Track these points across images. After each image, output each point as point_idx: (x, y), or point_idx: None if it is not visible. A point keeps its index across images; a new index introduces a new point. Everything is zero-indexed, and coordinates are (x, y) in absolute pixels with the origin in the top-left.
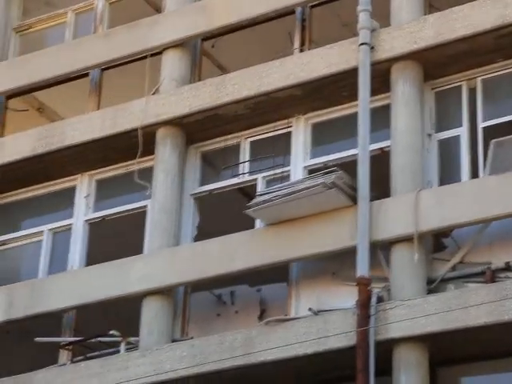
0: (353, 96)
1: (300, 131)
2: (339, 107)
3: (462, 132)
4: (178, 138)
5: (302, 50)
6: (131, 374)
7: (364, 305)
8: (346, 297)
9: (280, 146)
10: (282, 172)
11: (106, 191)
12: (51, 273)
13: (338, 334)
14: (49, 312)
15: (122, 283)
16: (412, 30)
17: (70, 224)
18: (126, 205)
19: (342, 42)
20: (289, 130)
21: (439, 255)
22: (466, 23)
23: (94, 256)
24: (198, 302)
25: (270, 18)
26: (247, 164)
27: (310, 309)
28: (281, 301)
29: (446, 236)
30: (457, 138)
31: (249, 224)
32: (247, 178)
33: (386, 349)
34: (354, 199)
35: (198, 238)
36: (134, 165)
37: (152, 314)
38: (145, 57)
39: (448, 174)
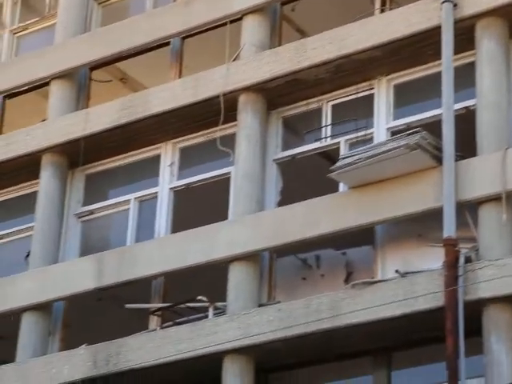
0: (436, 55)
1: (382, 93)
2: (422, 67)
3: None
4: (259, 104)
5: (382, 11)
6: (219, 339)
7: (451, 265)
8: (432, 258)
9: (362, 109)
10: (365, 134)
11: (189, 159)
12: (139, 240)
13: (425, 294)
14: (138, 279)
15: (208, 249)
16: None
17: (156, 192)
18: (209, 172)
19: (423, 1)
20: (371, 91)
21: None
22: None
23: (180, 223)
24: (283, 266)
25: None
26: (329, 128)
27: (396, 271)
28: (367, 264)
29: None
30: None
31: (332, 188)
32: (329, 141)
33: (475, 309)
34: (438, 160)
35: (281, 204)
36: (217, 132)
37: (238, 280)
38: (224, 23)
39: None
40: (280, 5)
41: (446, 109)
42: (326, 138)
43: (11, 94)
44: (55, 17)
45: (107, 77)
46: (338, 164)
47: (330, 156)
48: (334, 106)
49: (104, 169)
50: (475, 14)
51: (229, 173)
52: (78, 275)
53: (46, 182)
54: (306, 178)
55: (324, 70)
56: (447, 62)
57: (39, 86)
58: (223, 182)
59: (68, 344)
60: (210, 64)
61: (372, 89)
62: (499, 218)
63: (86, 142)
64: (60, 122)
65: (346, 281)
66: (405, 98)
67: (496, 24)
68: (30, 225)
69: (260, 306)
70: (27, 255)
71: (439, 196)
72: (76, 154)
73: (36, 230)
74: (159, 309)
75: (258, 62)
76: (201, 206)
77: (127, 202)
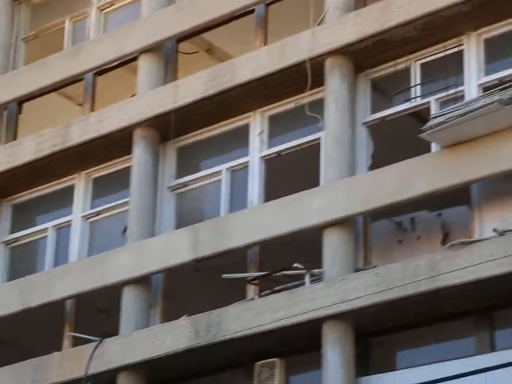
0: None
1: (472, 48)
2: None
3: None
4: (346, 67)
5: None
6: (317, 306)
7: None
8: None
9: (452, 66)
10: (456, 92)
11: (278, 127)
12: (232, 211)
13: None
14: (233, 249)
15: (302, 216)
16: None
17: (247, 162)
18: (299, 139)
19: None
20: (460, 48)
21: None
22: None
23: (272, 191)
24: (378, 230)
25: None
26: (419, 87)
27: (494, 230)
28: (463, 224)
29: None
30: None
31: (424, 149)
32: (419, 101)
33: None
34: None
35: (373, 167)
36: (305, 98)
37: (333, 246)
38: None
39: None
40: None
41: None
42: (415, 97)
43: (101, 71)
44: None
45: (194, 48)
46: (430, 124)
47: (420, 116)
48: (422, 65)
49: (195, 141)
50: None
51: (318, 138)
52: (175, 247)
53: (138, 157)
54: (396, 140)
55: (411, 28)
56: None
57: (128, 61)
58: (313, 148)
59: (169, 315)
60: (294, 29)
61: (461, 45)
62: None
63: (176, 115)
64: (150, 96)
65: (443, 242)
66: (496, 52)
67: None
68: (125, 200)
69: (356, 271)
70: (124, 230)
71: None
72: (167, 127)
73: (131, 204)
74: (256, 278)
75: (343, 24)
76: (292, 173)
77: (219, 172)
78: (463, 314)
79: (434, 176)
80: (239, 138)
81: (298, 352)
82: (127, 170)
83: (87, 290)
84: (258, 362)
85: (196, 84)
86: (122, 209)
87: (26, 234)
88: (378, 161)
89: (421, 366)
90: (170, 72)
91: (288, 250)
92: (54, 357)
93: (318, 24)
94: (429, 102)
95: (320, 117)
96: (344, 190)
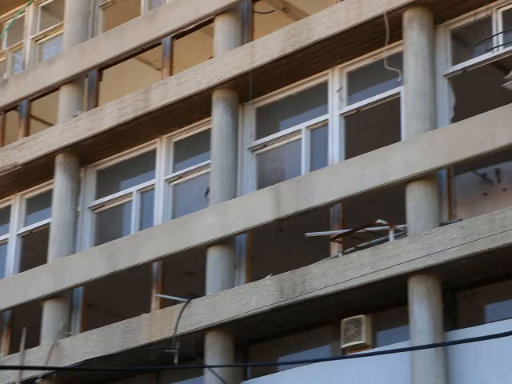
0: None
1: None
2: None
3: None
4: (425, 19)
5: None
6: (403, 260)
7: None
8: None
9: None
10: None
11: (357, 83)
12: (313, 169)
13: None
14: (315, 207)
15: (384, 172)
16: None
17: (326, 119)
18: (378, 94)
19: None
20: None
21: None
22: None
23: (353, 148)
24: (462, 183)
25: None
26: (500, 36)
27: None
28: None
29: None
30: None
31: (508, 98)
32: (502, 50)
33: None
34: None
35: (455, 119)
36: (383, 52)
37: (417, 200)
38: None
39: None
40: None
41: None
42: (497, 47)
43: (178, 35)
44: None
45: (269, 8)
46: None
47: (503, 66)
48: (504, 13)
49: (273, 100)
50: None
51: (398, 93)
52: (257, 208)
53: (218, 119)
54: (479, 91)
55: None
56: None
57: (204, 23)
58: (393, 103)
59: (254, 275)
60: None
61: None
62: None
63: (254, 75)
64: (227, 58)
65: None
66: None
67: None
68: (206, 162)
69: (441, 225)
70: (207, 192)
71: None
72: (245, 88)
73: (213, 166)
74: (339, 235)
75: None
76: (372, 129)
77: (298, 131)
78: None
79: None
80: (318, 96)
81: (384, 308)
82: (207, 133)
83: (173, 252)
84: (344, 319)
85: (273, 43)
86: (204, 171)
87: (111, 199)
88: (461, 113)
89: (510, 318)
90: (246, 32)
91: (371, 206)
92: (143, 318)
93: None
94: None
95: (399, 71)
96: (427, 143)
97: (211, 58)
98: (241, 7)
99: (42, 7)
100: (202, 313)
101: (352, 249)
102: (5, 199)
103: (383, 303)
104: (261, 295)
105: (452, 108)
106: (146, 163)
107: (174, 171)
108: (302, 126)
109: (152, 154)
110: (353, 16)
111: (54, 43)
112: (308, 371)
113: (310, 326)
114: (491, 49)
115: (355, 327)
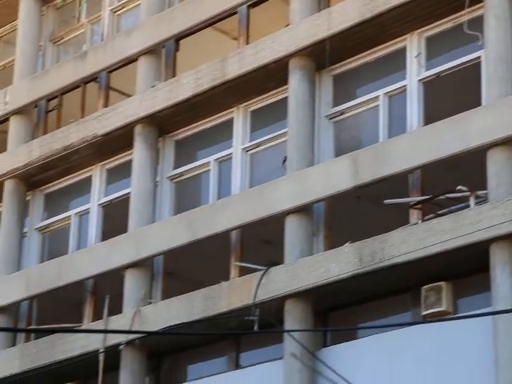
0: None
1: None
2: None
3: None
4: None
5: None
6: (484, 226)
7: None
8: None
9: None
10: None
11: (436, 48)
12: (391, 136)
13: None
14: (393, 174)
15: (464, 138)
16: None
17: (405, 85)
18: (458, 58)
19: None
20: None
21: None
22: None
23: (431, 114)
24: None
25: None
26: None
27: None
28: None
29: None
30: None
31: None
32: None
33: None
34: None
35: None
36: (463, 16)
37: (498, 166)
38: None
39: None
40: None
41: None
42: None
43: (254, 3)
44: None
45: None
46: None
47: None
48: None
49: (350, 67)
50: None
51: (479, 57)
52: (335, 175)
53: (295, 87)
54: None
55: None
56: None
57: None
58: (473, 68)
59: (332, 243)
60: None
61: None
62: None
63: (331, 42)
64: (304, 25)
65: None
66: None
67: None
68: (283, 131)
69: None
70: (284, 160)
71: None
72: (322, 55)
73: (290, 134)
74: (419, 202)
75: None
76: (451, 94)
77: (376, 98)
78: None
79: None
80: (396, 62)
81: (465, 275)
82: (284, 101)
83: (251, 220)
84: (425, 287)
85: (350, 9)
86: (281, 139)
87: (189, 169)
88: None
89: None
90: None
91: (451, 172)
92: (223, 286)
93: None
94: None
95: (480, 34)
96: (509, 108)
97: (287, 25)
98: None
99: None
100: (280, 280)
101: (432, 216)
102: (86, 170)
103: (464, 270)
104: (340, 263)
105: None
106: (223, 133)
107: (251, 140)
108: (380, 92)
109: (229, 124)
110: None
111: (131, 14)
112: (388, 338)
113: (390, 293)
114: None
115: (435, 294)
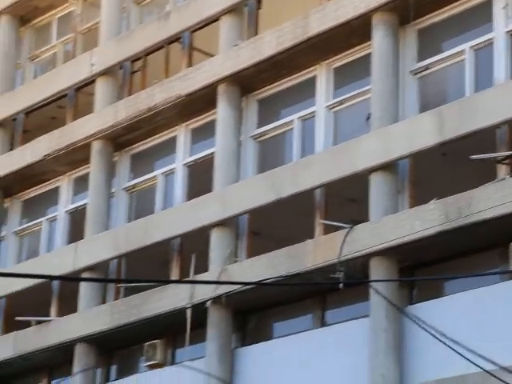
0: None
1: None
2: None
3: None
4: None
5: None
6: None
7: None
8: None
9: None
10: None
11: None
12: (477, 90)
13: None
14: (480, 129)
15: None
16: None
17: (491, 38)
18: None
19: None
20: None
21: None
22: None
23: None
24: None
25: None
26: None
27: None
28: None
29: None
30: None
31: None
32: None
33: None
34: None
35: None
36: None
37: None
38: None
39: None
40: None
41: None
42: None
43: None
44: None
45: None
46: None
47: None
48: None
49: (435, 21)
50: None
51: None
52: (420, 132)
53: (378, 43)
54: None
55: None
56: None
57: None
58: None
59: (417, 200)
60: None
61: None
62: None
63: None
64: None
65: None
66: None
67: None
68: (367, 87)
69: None
70: (368, 117)
71: None
72: (406, 9)
73: (373, 91)
74: (506, 157)
75: None
76: None
77: (462, 52)
78: None
79: None
80: (482, 15)
81: None
82: (367, 57)
83: (334, 178)
84: None
85: None
86: (365, 96)
87: (272, 128)
88: None
89: None
90: None
91: None
92: (308, 244)
93: None
94: None
95: None
96: None
97: None
98: None
99: None
100: (365, 238)
101: None
102: (170, 130)
103: None
104: (425, 220)
105: None
106: (306, 91)
107: (334, 98)
108: (466, 46)
109: (312, 81)
110: None
111: None
112: (478, 294)
113: (477, 250)
114: None
115: None
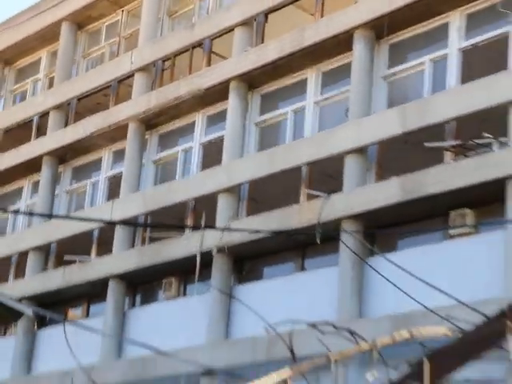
0: None
1: None
2: None
3: None
4: None
5: None
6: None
7: None
8: None
9: None
10: None
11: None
12: (433, 93)
13: None
14: (434, 123)
15: (489, 97)
16: None
17: (446, 53)
18: None
19: None
20: None
21: None
22: None
23: (468, 75)
24: None
25: None
26: None
27: None
28: None
29: None
30: None
31: None
32: None
33: None
34: None
35: None
36: None
37: None
38: None
39: None
40: None
41: None
42: None
43: None
44: None
45: None
46: None
47: None
48: None
49: (403, 38)
50: None
51: None
52: (386, 124)
53: (358, 52)
54: None
55: None
56: None
57: None
58: None
59: (381, 177)
60: None
61: None
62: None
63: (390, 17)
64: (368, 2)
65: None
66: None
67: None
68: (347, 88)
69: None
70: (346, 111)
71: None
72: (381, 27)
73: (352, 90)
74: (453, 146)
75: None
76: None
77: (423, 63)
78: None
79: None
80: (440, 34)
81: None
82: (349, 64)
83: (317, 158)
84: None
85: None
86: (345, 95)
87: (272, 117)
88: None
89: None
90: None
91: (479, 123)
92: (294, 208)
93: None
94: None
95: None
96: None
97: (356, 2)
98: None
99: None
100: (339, 205)
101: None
102: (191, 116)
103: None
104: (387, 193)
105: None
106: (299, 88)
107: (321, 95)
108: (426, 58)
109: (304, 81)
110: None
111: None
112: (424, 250)
113: (425, 216)
114: None
115: (461, 218)
